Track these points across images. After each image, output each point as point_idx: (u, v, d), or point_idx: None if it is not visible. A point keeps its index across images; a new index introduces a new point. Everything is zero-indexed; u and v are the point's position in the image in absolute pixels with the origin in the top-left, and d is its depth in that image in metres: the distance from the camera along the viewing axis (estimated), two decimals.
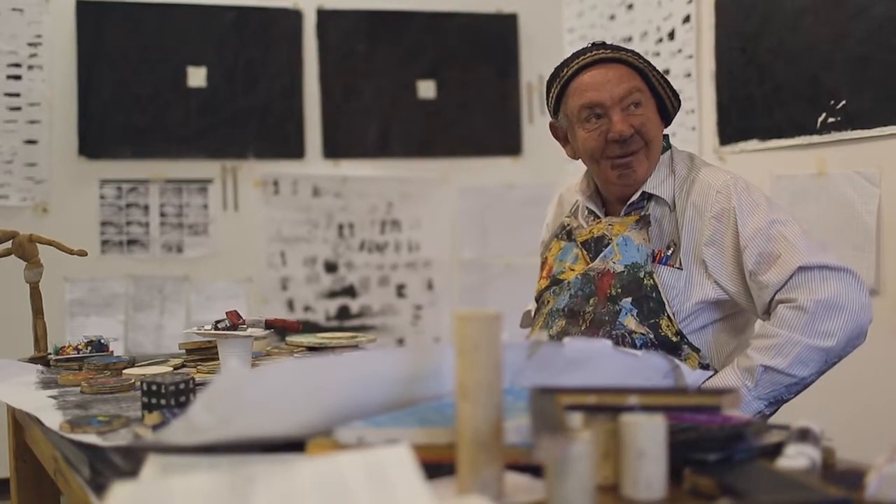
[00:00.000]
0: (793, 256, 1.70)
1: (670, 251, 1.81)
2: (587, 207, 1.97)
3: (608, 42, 1.92)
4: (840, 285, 1.67)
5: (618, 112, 1.84)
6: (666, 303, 1.77)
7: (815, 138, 2.98)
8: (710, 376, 1.71)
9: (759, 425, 1.15)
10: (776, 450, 1.10)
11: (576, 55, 1.90)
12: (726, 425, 1.09)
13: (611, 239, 1.87)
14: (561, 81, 1.89)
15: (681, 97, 1.97)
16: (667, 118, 1.92)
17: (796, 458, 1.05)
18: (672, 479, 1.01)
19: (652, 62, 1.91)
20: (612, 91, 1.84)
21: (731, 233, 1.76)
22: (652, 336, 1.77)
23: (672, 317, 1.77)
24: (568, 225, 2.00)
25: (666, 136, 1.94)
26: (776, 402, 1.72)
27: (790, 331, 1.67)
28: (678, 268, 1.79)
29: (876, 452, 1.00)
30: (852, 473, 1.05)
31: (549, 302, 1.95)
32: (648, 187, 1.86)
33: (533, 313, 2.07)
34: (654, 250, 1.82)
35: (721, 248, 1.77)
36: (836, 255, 1.74)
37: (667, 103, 1.90)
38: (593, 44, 1.91)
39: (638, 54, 1.90)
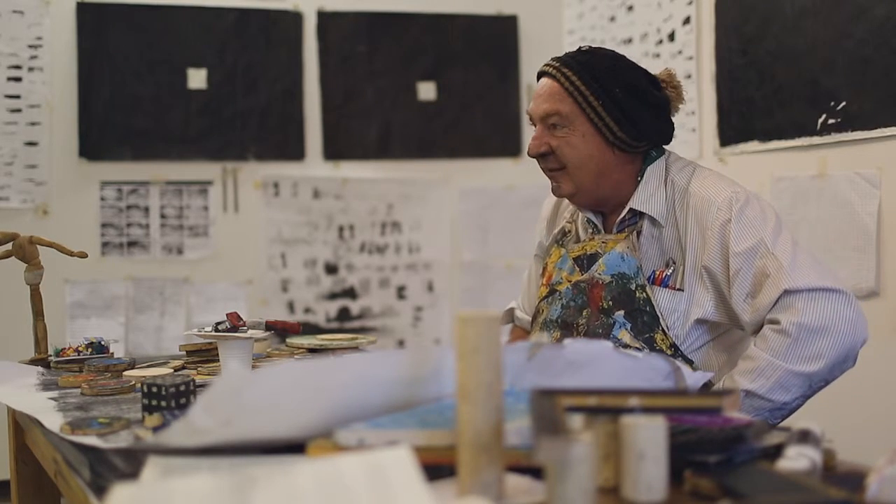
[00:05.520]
0: (780, 278, 1.65)
1: (671, 270, 1.77)
2: (585, 217, 1.92)
3: (592, 45, 1.87)
4: (827, 308, 1.62)
5: (539, 128, 1.82)
6: (660, 316, 1.75)
7: (816, 139, 2.98)
8: (711, 376, 1.70)
9: (760, 427, 1.15)
10: (777, 451, 1.10)
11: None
12: (727, 427, 1.09)
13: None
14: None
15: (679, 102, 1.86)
16: (629, 137, 1.78)
17: (797, 459, 1.05)
18: (672, 480, 1.01)
19: (624, 75, 1.77)
20: (539, 106, 1.81)
21: (725, 251, 1.71)
22: (646, 350, 1.74)
23: (666, 330, 1.75)
24: (568, 231, 1.96)
25: (658, 146, 1.85)
26: None
27: (772, 355, 1.63)
28: (679, 289, 1.75)
29: (877, 454, 1.00)
30: (853, 475, 1.05)
31: (543, 311, 1.93)
32: (635, 203, 1.80)
33: (516, 315, 2.13)
34: (654, 271, 1.77)
35: (718, 266, 1.72)
36: (831, 272, 1.68)
37: (603, 132, 1.77)
38: (578, 48, 1.85)
39: (589, 70, 1.76)
